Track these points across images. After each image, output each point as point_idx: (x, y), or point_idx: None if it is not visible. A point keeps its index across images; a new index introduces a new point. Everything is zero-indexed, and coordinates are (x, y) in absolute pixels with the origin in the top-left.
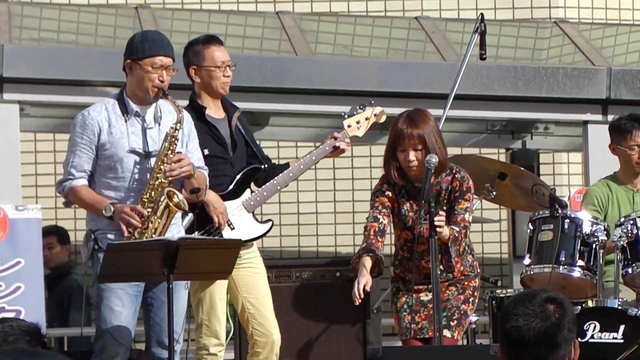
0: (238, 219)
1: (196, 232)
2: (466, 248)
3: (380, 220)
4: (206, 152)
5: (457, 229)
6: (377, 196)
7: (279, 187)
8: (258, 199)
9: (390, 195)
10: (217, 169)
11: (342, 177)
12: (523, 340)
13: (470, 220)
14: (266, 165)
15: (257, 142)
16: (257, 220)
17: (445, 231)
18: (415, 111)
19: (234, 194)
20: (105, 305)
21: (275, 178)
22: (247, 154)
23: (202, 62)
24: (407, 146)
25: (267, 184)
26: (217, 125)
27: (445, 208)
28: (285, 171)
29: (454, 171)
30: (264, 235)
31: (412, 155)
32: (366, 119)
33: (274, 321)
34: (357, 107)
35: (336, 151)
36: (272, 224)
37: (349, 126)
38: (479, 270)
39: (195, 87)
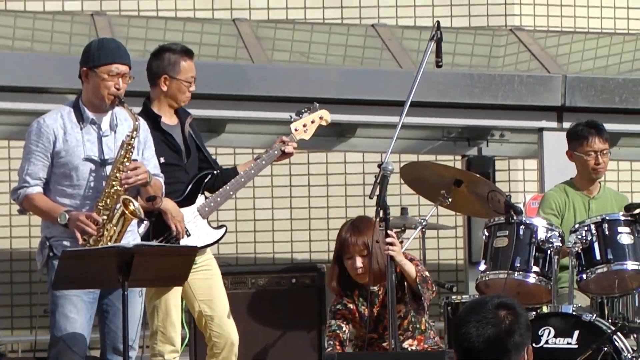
0: (194, 225)
1: (154, 240)
2: (427, 325)
3: (344, 330)
4: (162, 160)
5: (419, 268)
6: (338, 309)
7: (231, 193)
8: (212, 204)
9: (351, 307)
10: (172, 176)
11: (298, 183)
12: (473, 347)
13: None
14: (218, 171)
15: (213, 149)
16: (211, 226)
17: (411, 270)
18: (359, 218)
19: (189, 200)
20: (60, 312)
21: (228, 184)
22: (198, 158)
23: (176, 74)
24: (353, 253)
25: (220, 190)
26: (172, 132)
27: (399, 294)
28: (236, 177)
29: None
30: (219, 240)
31: (359, 262)
32: (312, 122)
33: (232, 322)
34: (303, 110)
35: (284, 155)
36: (226, 230)
37: (296, 129)
38: (442, 347)
39: (153, 93)
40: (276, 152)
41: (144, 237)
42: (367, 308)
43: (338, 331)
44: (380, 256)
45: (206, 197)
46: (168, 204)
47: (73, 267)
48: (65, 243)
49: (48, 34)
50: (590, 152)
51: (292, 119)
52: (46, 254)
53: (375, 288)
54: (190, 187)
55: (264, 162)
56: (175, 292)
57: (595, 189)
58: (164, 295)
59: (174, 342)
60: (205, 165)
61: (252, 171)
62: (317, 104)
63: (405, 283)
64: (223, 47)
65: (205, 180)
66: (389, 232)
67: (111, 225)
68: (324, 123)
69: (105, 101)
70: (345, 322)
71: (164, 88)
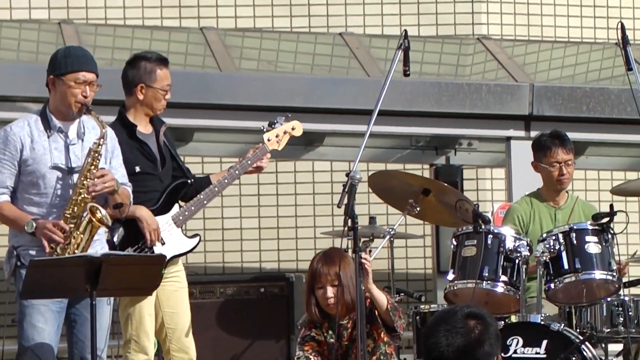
0: (168, 234)
1: (129, 248)
2: None
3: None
4: (137, 169)
5: (395, 303)
6: (306, 341)
7: (205, 202)
8: (186, 213)
9: (319, 339)
10: (147, 185)
11: (267, 192)
12: (442, 356)
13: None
14: (192, 180)
15: (181, 158)
16: (185, 235)
17: (381, 297)
18: (331, 249)
19: (163, 209)
20: (28, 322)
21: (202, 193)
22: (172, 167)
23: (152, 83)
24: (325, 283)
25: (194, 199)
26: (147, 141)
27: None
28: (210, 186)
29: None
30: (193, 249)
31: (330, 292)
32: (284, 132)
33: (191, 339)
34: (275, 121)
35: (256, 169)
36: (200, 239)
37: (268, 140)
38: None
39: (128, 102)
40: (249, 162)
41: (119, 245)
42: (335, 341)
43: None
44: (352, 288)
45: (180, 206)
46: (143, 212)
47: (41, 277)
48: (32, 252)
49: (15, 42)
50: (554, 163)
51: (265, 130)
52: (14, 263)
53: (344, 321)
54: (164, 195)
55: (237, 172)
56: (149, 301)
57: (561, 199)
58: (137, 304)
59: (147, 351)
60: (179, 174)
61: (226, 180)
62: (290, 115)
63: (377, 313)
64: (190, 55)
65: (183, 190)
66: (364, 255)
67: (78, 233)
68: (296, 134)
69: (72, 109)
70: (313, 354)
71: (141, 97)
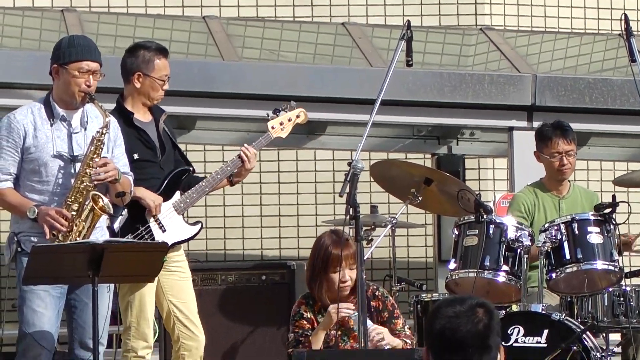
0: (169, 220)
1: (129, 235)
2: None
3: (304, 345)
4: (136, 156)
5: (409, 341)
6: (296, 319)
7: (207, 190)
8: (188, 201)
9: (309, 316)
10: (147, 172)
11: (268, 180)
12: (457, 341)
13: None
14: (193, 168)
15: (183, 146)
16: (186, 222)
17: (397, 342)
18: (336, 233)
19: (165, 196)
20: (28, 307)
21: (203, 180)
22: (174, 156)
23: (150, 72)
24: (345, 266)
25: (196, 186)
26: (145, 129)
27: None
28: (212, 173)
29: (371, 288)
30: (195, 236)
31: (347, 275)
32: (289, 120)
33: (200, 325)
34: (280, 109)
35: (244, 166)
36: (202, 226)
37: (272, 128)
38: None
39: (127, 90)
40: (228, 168)
41: (122, 229)
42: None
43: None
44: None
45: (181, 194)
46: (143, 191)
47: (43, 263)
48: (34, 239)
49: (18, 30)
50: (554, 153)
51: (270, 117)
52: (14, 249)
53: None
54: (166, 182)
55: (228, 169)
56: (150, 288)
57: (564, 189)
58: (138, 291)
59: (147, 339)
60: (181, 164)
61: (228, 168)
62: (294, 102)
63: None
64: (193, 44)
65: (183, 177)
66: (376, 326)
67: (80, 220)
68: (301, 121)
69: (75, 98)
70: (302, 336)
71: (137, 85)
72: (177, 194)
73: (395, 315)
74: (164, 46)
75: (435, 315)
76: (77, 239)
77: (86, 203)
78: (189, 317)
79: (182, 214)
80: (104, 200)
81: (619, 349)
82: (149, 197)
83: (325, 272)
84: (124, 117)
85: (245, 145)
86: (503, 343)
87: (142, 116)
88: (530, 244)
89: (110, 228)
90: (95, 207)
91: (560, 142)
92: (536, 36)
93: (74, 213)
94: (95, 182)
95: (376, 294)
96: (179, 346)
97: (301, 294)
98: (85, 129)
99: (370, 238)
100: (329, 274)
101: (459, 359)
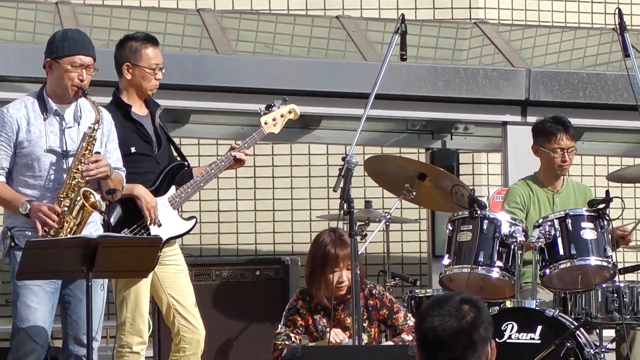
0: (164, 215)
1: (125, 230)
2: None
3: (293, 340)
4: (133, 149)
5: (411, 337)
6: (291, 313)
7: (202, 184)
8: (183, 195)
9: (304, 313)
10: (143, 166)
11: (263, 175)
12: (439, 340)
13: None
14: (189, 163)
15: (177, 139)
16: (182, 217)
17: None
18: (336, 231)
19: (160, 191)
20: (22, 302)
21: (198, 175)
22: (169, 151)
23: (138, 61)
24: (342, 267)
25: (191, 180)
26: (142, 122)
27: (374, 328)
28: (208, 167)
29: (368, 287)
30: (190, 231)
31: (345, 276)
32: (281, 115)
33: (199, 318)
34: (272, 104)
35: (238, 162)
36: (197, 221)
37: (265, 123)
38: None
39: (121, 83)
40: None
41: (117, 224)
42: (324, 319)
43: (286, 341)
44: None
45: (176, 188)
46: (141, 190)
47: (37, 258)
48: (28, 233)
49: (12, 22)
50: (557, 149)
51: (262, 112)
52: (8, 244)
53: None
54: (162, 177)
55: (223, 164)
56: (145, 284)
57: (559, 184)
58: (133, 287)
59: (142, 334)
60: (176, 159)
61: (223, 163)
62: (287, 98)
63: (384, 321)
64: (187, 37)
65: (178, 171)
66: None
67: (71, 217)
68: (293, 117)
69: (68, 92)
70: (294, 332)
71: (128, 76)
72: (173, 189)
73: (395, 310)
74: (153, 35)
75: (420, 317)
76: (68, 235)
77: (77, 199)
78: (189, 310)
79: (178, 209)
80: (96, 197)
81: (612, 345)
82: (146, 198)
83: (323, 271)
84: (122, 109)
85: (238, 142)
86: (496, 339)
87: (139, 109)
88: (524, 240)
89: (106, 222)
90: (86, 204)
91: (564, 137)
92: (530, 30)
93: (65, 209)
94: (87, 178)
95: (373, 292)
96: (179, 339)
97: (295, 288)
98: (78, 124)
99: (364, 233)
100: (327, 273)
101: (445, 357)
